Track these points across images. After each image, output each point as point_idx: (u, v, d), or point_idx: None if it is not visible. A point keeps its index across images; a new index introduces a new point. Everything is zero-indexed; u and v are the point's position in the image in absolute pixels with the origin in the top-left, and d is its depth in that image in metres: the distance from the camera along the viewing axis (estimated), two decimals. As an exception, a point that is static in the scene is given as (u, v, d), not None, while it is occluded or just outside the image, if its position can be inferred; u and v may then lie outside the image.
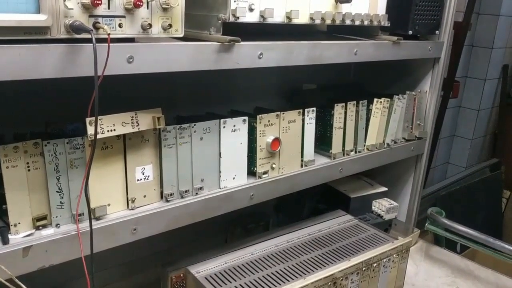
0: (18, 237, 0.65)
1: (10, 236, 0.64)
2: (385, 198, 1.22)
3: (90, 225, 0.65)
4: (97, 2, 0.57)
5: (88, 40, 0.57)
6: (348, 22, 0.93)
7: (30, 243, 0.63)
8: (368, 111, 1.10)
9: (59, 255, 0.65)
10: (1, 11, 0.52)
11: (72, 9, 0.56)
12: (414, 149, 1.22)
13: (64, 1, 0.56)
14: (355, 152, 1.08)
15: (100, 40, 0.57)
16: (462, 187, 2.03)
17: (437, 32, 1.14)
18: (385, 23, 1.01)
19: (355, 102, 1.06)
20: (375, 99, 1.10)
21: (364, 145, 1.11)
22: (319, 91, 1.27)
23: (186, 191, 0.80)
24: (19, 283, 0.60)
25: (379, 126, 1.12)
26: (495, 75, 2.35)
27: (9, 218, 0.65)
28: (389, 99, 1.12)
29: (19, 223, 0.66)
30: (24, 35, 0.54)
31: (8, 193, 0.64)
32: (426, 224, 1.26)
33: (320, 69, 1.05)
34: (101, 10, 0.59)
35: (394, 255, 0.95)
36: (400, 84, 1.25)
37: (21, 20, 0.53)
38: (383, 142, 1.14)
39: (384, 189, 1.23)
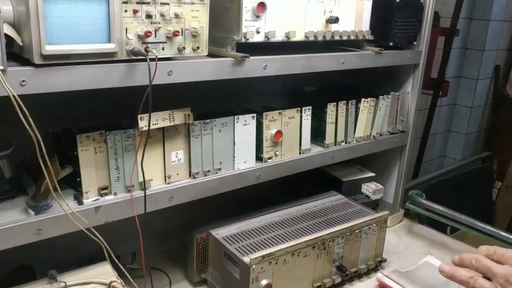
0: (89, 201, 0.90)
1: (83, 200, 0.89)
2: (373, 182, 1.45)
3: (144, 192, 0.90)
4: (148, 34, 0.82)
5: (142, 60, 0.81)
6: (337, 38, 1.16)
7: (99, 204, 0.88)
8: (357, 109, 1.33)
9: (118, 214, 0.90)
10: (86, 43, 0.77)
11: (131, 39, 0.81)
12: (397, 140, 1.44)
13: (126, 34, 0.80)
14: (346, 143, 1.32)
15: (150, 60, 0.82)
16: (453, 177, 2.24)
17: (414, 43, 1.37)
18: (369, 37, 1.23)
19: (345, 101, 1.29)
20: (363, 99, 1.32)
21: (354, 137, 1.34)
22: (318, 92, 1.50)
23: (208, 171, 1.05)
24: (94, 231, 0.85)
25: (366, 121, 1.35)
26: (487, 75, 2.56)
27: (82, 187, 0.90)
28: (375, 99, 1.35)
29: (89, 191, 0.91)
30: (99, 58, 0.79)
31: (82, 169, 0.89)
32: (407, 203, 1.49)
33: (319, 74, 1.27)
34: (151, 38, 0.83)
35: (374, 224, 1.19)
36: (387, 85, 1.47)
37: (98, 48, 0.78)
38: (370, 134, 1.37)
39: (372, 174, 1.46)
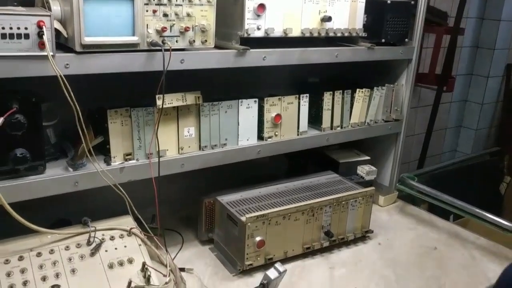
0: (116, 164, 1.11)
1: (111, 163, 1.11)
2: (368, 165, 1.61)
3: (158, 158, 1.11)
4: (165, 29, 1.02)
5: (160, 50, 1.02)
6: (331, 34, 1.33)
7: (123, 166, 1.09)
8: (352, 98, 1.50)
9: (139, 174, 1.11)
10: (115, 36, 0.98)
11: (151, 33, 1.01)
12: (391, 128, 1.60)
13: (147, 29, 1.01)
14: (341, 128, 1.49)
15: (165, 50, 1.02)
16: (459, 168, 2.36)
17: (406, 40, 1.52)
18: (361, 34, 1.40)
19: (341, 91, 1.47)
20: (357, 89, 1.49)
21: (349, 123, 1.51)
22: (321, 84, 1.67)
23: (215, 145, 1.24)
24: (119, 187, 1.06)
25: (361, 110, 1.51)
26: (498, 73, 2.66)
27: (110, 153, 1.11)
28: (369, 90, 1.51)
29: (115, 156, 1.12)
30: (125, 48, 1.00)
31: (111, 138, 1.10)
32: (397, 184, 1.64)
33: (323, 67, 1.44)
34: (166, 33, 1.03)
35: (360, 198, 1.35)
36: (384, 79, 1.62)
37: (124, 40, 0.99)
38: (364, 121, 1.53)
39: (367, 158, 1.63)
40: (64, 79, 0.91)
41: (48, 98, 1.06)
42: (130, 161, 1.13)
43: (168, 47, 1.02)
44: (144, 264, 1.01)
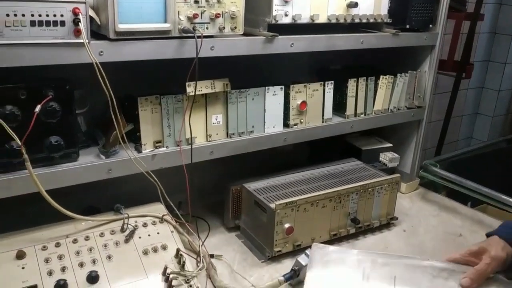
0: (147, 151, 1.12)
1: (142, 150, 1.11)
2: (390, 152, 1.61)
3: (191, 145, 1.11)
4: (196, 15, 1.02)
5: (191, 37, 1.02)
6: (356, 20, 1.32)
7: (154, 153, 1.10)
8: (376, 85, 1.49)
9: (169, 162, 1.12)
10: (148, 23, 0.98)
11: (182, 20, 1.01)
12: (414, 115, 1.60)
13: (178, 16, 1.01)
14: (364, 115, 1.48)
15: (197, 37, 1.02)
16: (476, 155, 2.34)
17: (431, 26, 1.51)
18: (387, 20, 1.39)
19: (365, 77, 1.46)
20: (381, 76, 1.48)
21: (372, 110, 1.50)
22: (343, 71, 1.66)
23: (242, 132, 1.24)
24: (152, 174, 1.06)
25: (384, 96, 1.51)
26: (516, 59, 2.63)
27: (141, 140, 1.12)
28: (392, 76, 1.51)
29: (146, 143, 1.12)
30: (157, 35, 1.00)
31: (141, 126, 1.11)
32: (420, 171, 1.64)
33: (344, 55, 1.43)
34: (197, 20, 1.03)
35: (386, 185, 1.35)
36: (406, 65, 1.61)
37: (157, 27, 0.99)
38: (388, 108, 1.53)
39: (390, 145, 1.62)
40: (100, 66, 0.91)
41: (77, 86, 1.06)
42: (161, 149, 1.13)
43: (200, 34, 1.02)
44: (178, 250, 1.02)
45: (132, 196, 1.16)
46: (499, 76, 2.63)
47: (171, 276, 0.96)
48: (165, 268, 0.98)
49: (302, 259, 1.10)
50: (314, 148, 1.69)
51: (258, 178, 1.35)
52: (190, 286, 0.97)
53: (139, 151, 1.10)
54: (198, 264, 1.04)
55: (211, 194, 1.46)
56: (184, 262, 1.01)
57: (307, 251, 1.11)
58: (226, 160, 1.24)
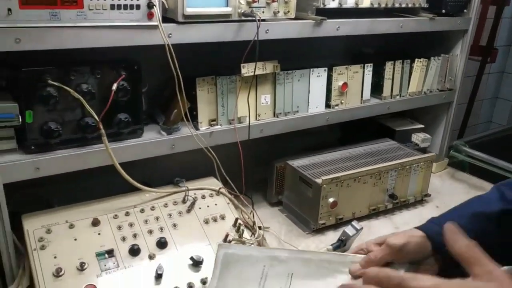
0: (203, 129, 1.19)
1: (199, 128, 1.18)
2: (422, 132, 1.67)
3: (249, 122, 1.18)
4: (254, 0, 1.08)
5: (249, 20, 1.08)
6: (397, 5, 1.38)
7: (211, 130, 1.17)
8: (411, 68, 1.55)
9: (224, 138, 1.19)
10: (210, 6, 1.04)
11: (242, 4, 1.07)
12: (445, 97, 1.66)
13: (239, 0, 1.07)
14: (400, 96, 1.55)
15: (253, 20, 1.08)
16: (498, 138, 2.40)
17: (465, 10, 1.56)
18: (424, 5, 1.45)
19: (401, 60, 1.52)
20: (416, 59, 1.54)
21: (407, 92, 1.56)
22: (376, 54, 1.71)
23: (288, 112, 1.31)
24: (210, 149, 1.14)
25: (418, 79, 1.57)
26: (538, 43, 2.67)
27: (198, 119, 1.19)
28: (427, 60, 1.56)
29: (202, 121, 1.19)
30: (219, 18, 1.06)
31: (198, 105, 1.17)
32: (451, 151, 1.71)
33: (377, 38, 1.49)
34: (255, 4, 1.09)
35: (422, 163, 1.42)
36: (439, 49, 1.67)
37: (220, 11, 1.05)
38: (421, 90, 1.59)
39: (421, 126, 1.69)
40: (171, 47, 0.98)
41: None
42: (215, 127, 1.20)
43: (259, 18, 1.08)
44: (237, 219, 1.10)
45: (178, 172, 1.23)
46: (521, 60, 2.67)
47: (232, 242, 1.04)
48: (227, 235, 1.06)
49: (348, 229, 1.17)
50: (346, 129, 1.76)
51: (299, 156, 1.42)
52: (249, 252, 1.05)
53: (196, 129, 1.18)
54: (254, 233, 1.12)
55: (251, 171, 1.53)
56: (243, 230, 1.08)
57: (353, 223, 1.18)
58: (263, 140, 1.29)
